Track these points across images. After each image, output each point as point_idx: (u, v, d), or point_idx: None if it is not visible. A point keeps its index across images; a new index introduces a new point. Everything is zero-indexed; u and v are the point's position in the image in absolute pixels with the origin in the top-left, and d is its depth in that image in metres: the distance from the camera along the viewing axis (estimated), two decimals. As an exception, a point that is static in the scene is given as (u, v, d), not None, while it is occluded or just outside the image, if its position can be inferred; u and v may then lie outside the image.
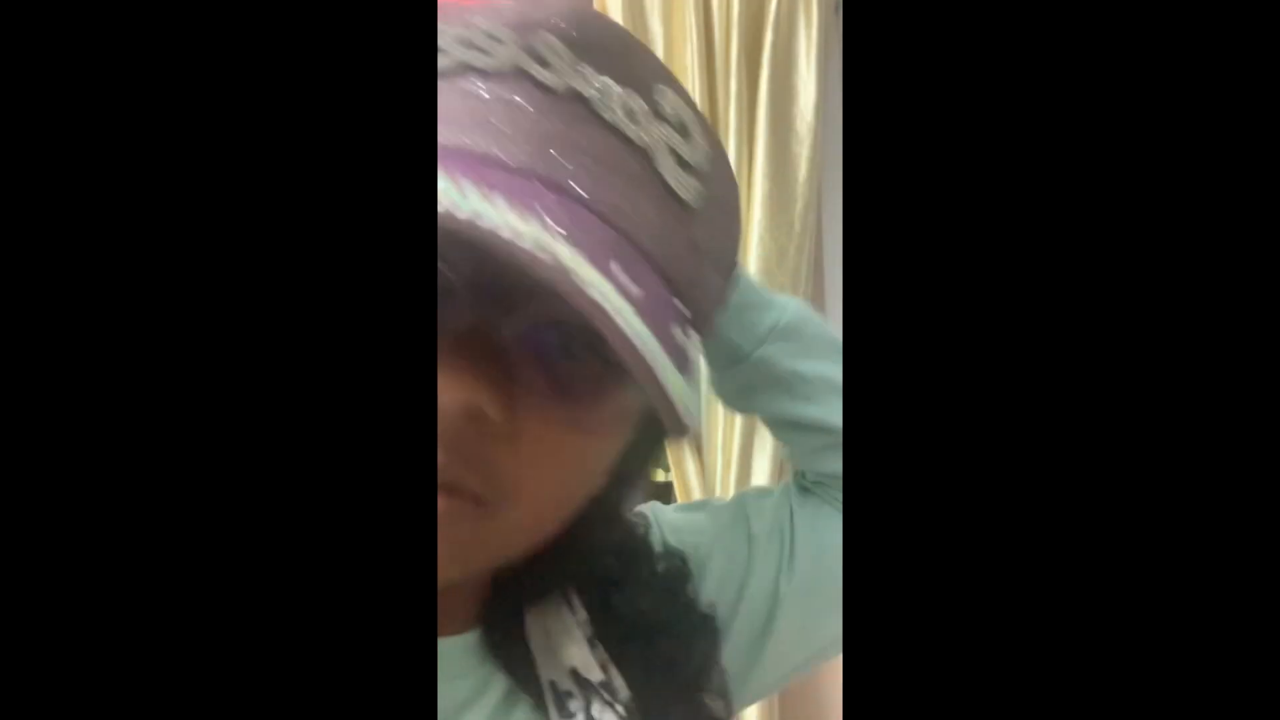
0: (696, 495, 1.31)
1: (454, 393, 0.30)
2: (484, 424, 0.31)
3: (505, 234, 0.28)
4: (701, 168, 0.36)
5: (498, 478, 0.32)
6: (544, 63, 0.33)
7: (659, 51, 1.33)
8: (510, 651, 0.42)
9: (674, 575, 0.48)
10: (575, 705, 0.41)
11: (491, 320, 0.31)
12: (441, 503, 0.32)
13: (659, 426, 0.38)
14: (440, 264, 0.31)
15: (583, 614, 0.45)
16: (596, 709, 0.41)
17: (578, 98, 0.33)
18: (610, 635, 0.45)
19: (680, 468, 1.31)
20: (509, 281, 0.31)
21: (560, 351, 0.33)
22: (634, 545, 0.49)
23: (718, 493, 1.30)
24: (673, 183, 0.34)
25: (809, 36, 1.40)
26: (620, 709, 0.42)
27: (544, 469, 0.33)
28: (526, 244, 0.28)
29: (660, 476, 1.40)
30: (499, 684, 0.41)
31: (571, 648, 0.43)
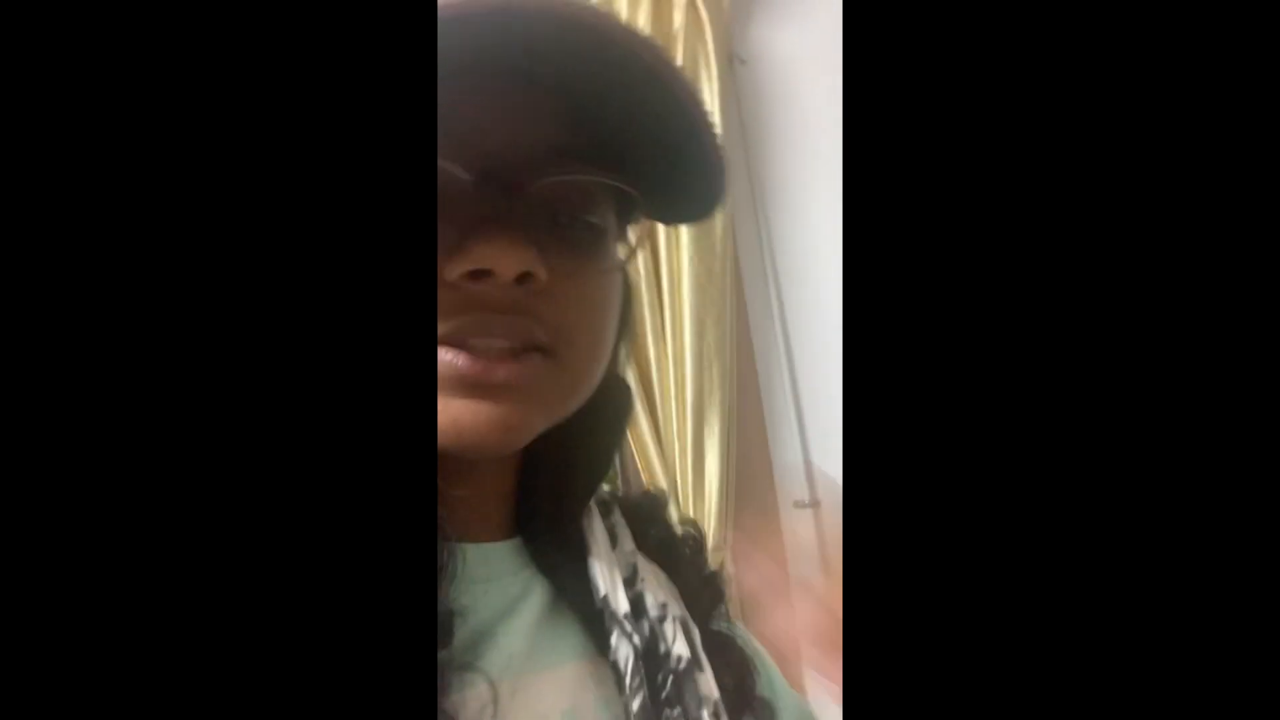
0: (659, 471, 1.55)
1: (504, 263, 0.34)
2: (535, 284, 0.35)
3: None
4: None
5: (556, 328, 0.37)
6: None
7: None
8: (555, 559, 0.45)
9: (694, 537, 0.55)
10: (641, 585, 0.45)
11: (504, 205, 0.36)
12: (525, 360, 0.36)
13: (628, 289, 0.45)
14: (453, 166, 0.35)
15: (626, 529, 0.49)
16: (651, 587, 0.45)
17: None
18: (648, 552, 0.49)
19: (645, 455, 1.56)
20: (513, 160, 0.36)
21: (559, 220, 0.38)
22: (659, 500, 0.56)
23: (677, 473, 1.55)
24: None
25: (710, 85, 1.68)
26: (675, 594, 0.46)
27: (585, 314, 0.39)
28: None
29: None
30: (541, 590, 0.44)
31: (628, 544, 0.47)
